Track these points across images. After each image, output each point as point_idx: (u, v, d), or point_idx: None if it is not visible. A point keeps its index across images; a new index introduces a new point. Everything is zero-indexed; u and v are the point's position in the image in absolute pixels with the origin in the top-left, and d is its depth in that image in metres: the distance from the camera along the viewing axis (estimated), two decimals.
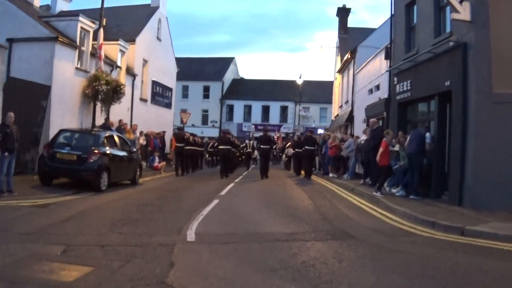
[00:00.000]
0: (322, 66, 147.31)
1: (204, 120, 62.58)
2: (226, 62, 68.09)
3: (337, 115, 36.14)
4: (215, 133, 57.00)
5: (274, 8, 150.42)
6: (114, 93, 20.34)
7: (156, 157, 23.87)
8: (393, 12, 18.79)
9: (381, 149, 15.13)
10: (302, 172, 25.23)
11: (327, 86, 60.41)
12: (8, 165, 12.24)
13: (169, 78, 33.80)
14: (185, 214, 10.51)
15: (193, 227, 8.97)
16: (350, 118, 27.64)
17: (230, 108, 64.04)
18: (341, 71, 34.14)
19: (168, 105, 33.90)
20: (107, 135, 15.57)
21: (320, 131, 53.99)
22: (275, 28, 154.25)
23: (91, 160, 13.95)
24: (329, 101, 57.58)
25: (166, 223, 9.39)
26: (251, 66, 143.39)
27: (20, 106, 15.20)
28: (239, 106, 63.62)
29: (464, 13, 12.50)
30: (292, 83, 61.40)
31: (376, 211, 12.27)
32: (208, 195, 14.50)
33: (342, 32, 39.25)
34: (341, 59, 34.55)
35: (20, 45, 17.82)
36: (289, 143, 34.40)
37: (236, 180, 21.07)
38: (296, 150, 26.11)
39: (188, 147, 24.32)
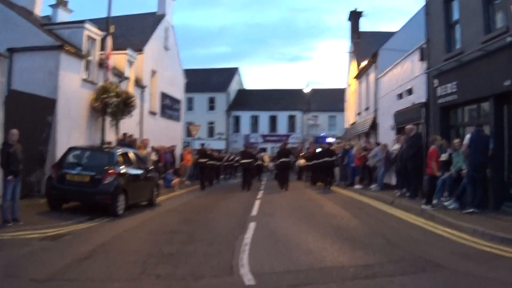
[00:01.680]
0: (326, 74, 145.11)
1: (210, 132, 60.85)
2: (231, 72, 66.51)
3: (354, 123, 34.40)
4: (221, 145, 55.35)
5: (272, 17, 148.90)
6: (124, 106, 18.66)
7: (171, 174, 22.27)
8: (427, 10, 17.13)
9: (433, 162, 13.69)
10: (319, 183, 25.18)
11: (335, 94, 59.08)
12: (13, 190, 10.63)
13: (177, 90, 32.18)
14: (226, 244, 8.84)
15: (244, 263, 7.25)
16: (373, 125, 25.91)
17: (237, 119, 62.40)
18: (358, 76, 32.37)
19: (177, 118, 32.23)
20: (121, 152, 13.91)
21: (329, 139, 52.64)
22: (273, 38, 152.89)
23: (106, 182, 12.29)
24: (338, 109, 56.23)
25: (209, 258, 7.67)
26: (251, 77, 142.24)
27: (23, 122, 13.54)
28: (245, 117, 61.98)
29: None
30: (299, 92, 59.92)
31: (438, 229, 10.65)
32: (239, 217, 12.89)
33: (355, 37, 37.45)
34: (358, 64, 32.94)
35: (22, 55, 16.09)
36: (301, 154, 34.06)
37: (259, 196, 19.40)
38: (314, 161, 25.94)
39: (210, 162, 24.93)
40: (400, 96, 20.77)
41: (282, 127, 61.21)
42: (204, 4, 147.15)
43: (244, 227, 10.81)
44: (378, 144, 23.12)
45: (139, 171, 14.43)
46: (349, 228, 10.95)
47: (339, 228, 10.97)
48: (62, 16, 22.48)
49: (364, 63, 29.07)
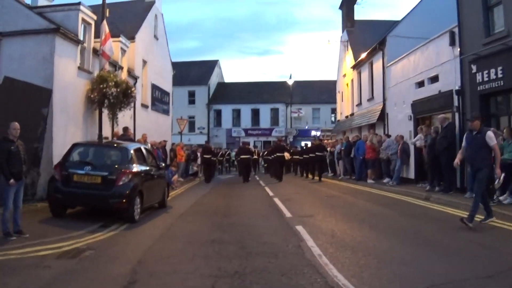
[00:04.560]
0: (300, 67, 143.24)
1: (191, 127, 58.34)
2: (211, 65, 64.32)
3: (352, 114, 32.89)
4: (202, 140, 53.40)
5: (241, 11, 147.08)
6: (124, 97, 16.72)
7: (173, 171, 20.60)
8: None
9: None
10: (310, 175, 27.57)
11: (318, 86, 57.88)
12: (15, 196, 8.82)
13: (166, 82, 30.21)
14: (293, 256, 7.26)
15: (346, 283, 5.67)
16: (382, 116, 24.40)
17: (218, 113, 60.41)
18: (357, 66, 30.83)
19: (166, 112, 30.28)
20: (135, 148, 12.11)
21: (314, 132, 51.29)
22: (242, 32, 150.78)
23: (121, 183, 10.48)
24: (322, 101, 55.04)
25: (293, 278, 6.00)
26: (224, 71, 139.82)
27: (17, 114, 11.56)
28: (227, 111, 60.02)
29: None
30: (281, 84, 58.57)
31: None
32: (274, 219, 11.47)
33: (348, 25, 35.92)
34: (354, 53, 31.44)
35: (11, 40, 14.02)
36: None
37: (270, 193, 18.02)
38: (304, 156, 28.60)
39: (214, 158, 28.06)
40: (419, 84, 19.27)
41: (264, 121, 59.52)
42: None
43: (293, 232, 9.32)
44: (388, 136, 21.75)
45: (152, 169, 12.67)
46: (415, 230, 9.49)
47: (403, 229, 9.63)
48: (43, 3, 20.39)
49: (364, 53, 27.45)
